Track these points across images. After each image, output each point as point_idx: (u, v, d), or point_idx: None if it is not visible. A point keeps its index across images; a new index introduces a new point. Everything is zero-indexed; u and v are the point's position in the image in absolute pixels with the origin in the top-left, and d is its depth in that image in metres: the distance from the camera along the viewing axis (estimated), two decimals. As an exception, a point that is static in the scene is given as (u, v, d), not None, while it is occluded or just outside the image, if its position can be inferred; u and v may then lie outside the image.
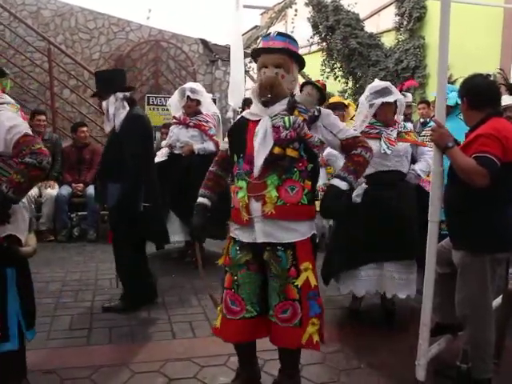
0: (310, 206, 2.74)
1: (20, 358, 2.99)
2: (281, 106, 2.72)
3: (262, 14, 18.76)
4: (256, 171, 2.65)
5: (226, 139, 2.99)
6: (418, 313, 3.17)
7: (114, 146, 4.20)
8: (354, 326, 4.18)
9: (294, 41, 2.82)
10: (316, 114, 2.73)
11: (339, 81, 12.44)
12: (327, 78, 12.55)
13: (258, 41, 13.53)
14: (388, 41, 11.87)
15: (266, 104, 2.71)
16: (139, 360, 3.48)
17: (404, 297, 4.03)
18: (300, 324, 2.72)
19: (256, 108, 2.80)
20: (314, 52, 13.99)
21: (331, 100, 6.72)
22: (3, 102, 2.77)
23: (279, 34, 2.79)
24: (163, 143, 5.93)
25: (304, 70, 12.40)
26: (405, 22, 11.31)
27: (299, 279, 2.70)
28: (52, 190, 6.77)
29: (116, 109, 4.16)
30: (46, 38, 8.67)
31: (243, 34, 12.57)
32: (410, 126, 4.14)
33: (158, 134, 8.34)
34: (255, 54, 2.85)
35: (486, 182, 2.73)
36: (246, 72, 11.88)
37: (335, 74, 12.49)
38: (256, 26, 14.91)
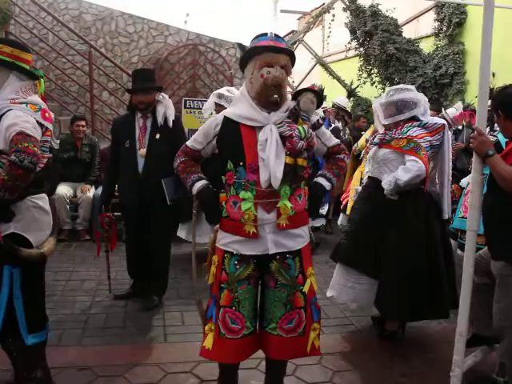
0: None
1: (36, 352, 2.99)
2: (282, 112, 2.62)
3: (299, 19, 18.75)
4: (276, 184, 2.51)
5: (197, 137, 2.77)
6: (452, 324, 3.13)
7: (164, 142, 4.25)
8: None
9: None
10: (320, 122, 2.73)
11: (376, 86, 12.30)
12: (364, 83, 12.47)
13: (295, 45, 13.56)
14: (427, 46, 11.71)
15: (274, 107, 2.57)
16: (172, 360, 3.51)
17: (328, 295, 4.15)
18: (304, 332, 2.67)
19: (253, 113, 2.60)
20: (351, 57, 13.91)
21: None
22: (22, 102, 2.81)
23: (277, 35, 2.65)
24: None
25: (340, 75, 12.33)
26: (444, 28, 11.12)
27: (306, 285, 2.66)
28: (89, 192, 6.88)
29: None
30: (87, 41, 8.86)
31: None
32: (412, 131, 3.79)
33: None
34: (252, 53, 2.61)
35: (528, 190, 2.68)
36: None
37: (372, 79, 12.37)
38: (293, 31, 14.94)
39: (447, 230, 4.17)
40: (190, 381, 3.28)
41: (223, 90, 5.63)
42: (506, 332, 2.97)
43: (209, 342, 2.68)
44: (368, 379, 3.39)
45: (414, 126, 3.81)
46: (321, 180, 2.81)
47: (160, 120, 4.28)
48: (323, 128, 2.83)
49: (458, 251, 5.17)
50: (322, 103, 2.85)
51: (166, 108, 4.32)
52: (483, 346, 3.46)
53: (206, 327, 2.73)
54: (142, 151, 4.27)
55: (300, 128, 2.56)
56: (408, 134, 3.77)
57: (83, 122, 6.97)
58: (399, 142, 3.78)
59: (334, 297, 4.07)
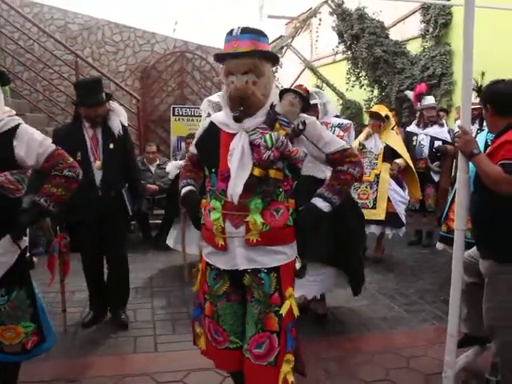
0: (295, 226, 2.43)
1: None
2: (258, 117, 2.36)
3: (286, 24, 18.79)
4: (234, 198, 2.29)
5: (194, 142, 2.70)
6: (444, 325, 3.11)
7: (118, 151, 4.14)
8: (387, 333, 4.14)
9: (263, 35, 2.39)
10: (301, 127, 2.34)
11: (365, 89, 12.33)
12: (353, 86, 12.49)
13: (284, 50, 13.58)
14: (414, 48, 11.74)
15: (240, 120, 2.31)
16: (163, 370, 3.48)
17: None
18: (275, 362, 2.34)
19: (227, 119, 2.41)
20: (339, 61, 13.94)
21: (373, 108, 6.67)
22: (15, 115, 2.71)
23: (243, 30, 2.33)
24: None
25: (329, 79, 12.28)
26: (430, 29, 11.15)
27: (284, 307, 2.35)
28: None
29: None
30: (73, 51, 8.81)
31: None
32: (337, 132, 4.20)
33: (183, 144, 8.41)
34: (218, 59, 2.44)
35: (513, 189, 2.66)
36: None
37: (361, 82, 12.40)
38: (281, 36, 14.93)
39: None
40: (180, 390, 3.25)
41: (205, 102, 5.40)
42: (497, 331, 2.96)
43: (202, 344, 2.61)
44: (359, 383, 3.37)
45: (336, 127, 4.23)
46: (318, 202, 2.42)
47: (119, 130, 4.12)
48: (320, 130, 2.47)
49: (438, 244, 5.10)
50: (308, 106, 2.59)
51: (119, 115, 4.18)
52: (475, 346, 3.45)
53: (197, 329, 2.64)
54: (98, 163, 4.05)
55: (266, 136, 2.25)
56: (336, 134, 4.05)
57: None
58: None
59: (304, 295, 4.12)
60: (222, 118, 2.48)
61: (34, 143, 2.62)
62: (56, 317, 4.28)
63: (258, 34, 2.36)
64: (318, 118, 4.09)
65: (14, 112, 2.73)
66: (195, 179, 2.76)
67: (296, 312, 2.40)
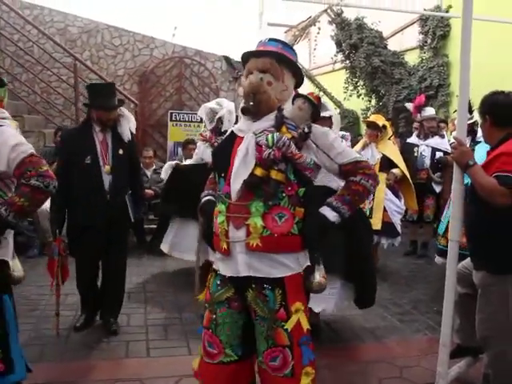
0: (301, 235, 2.34)
1: None
2: (268, 121, 2.35)
3: (286, 32, 18.87)
4: (233, 196, 2.29)
5: None
6: (437, 336, 3.11)
7: (126, 157, 4.20)
8: (381, 343, 4.13)
9: (291, 48, 2.47)
10: (306, 130, 2.32)
11: (362, 98, 12.40)
12: (350, 95, 12.55)
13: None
14: (411, 59, 11.82)
15: (247, 112, 2.36)
16: (155, 375, 3.47)
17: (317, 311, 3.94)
18: (292, 374, 2.29)
19: (242, 122, 2.46)
20: (337, 70, 14.02)
21: (370, 118, 6.68)
22: (4, 117, 2.59)
23: (271, 39, 2.44)
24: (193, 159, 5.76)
25: (327, 88, 12.28)
26: (428, 40, 11.24)
27: (289, 322, 2.28)
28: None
29: None
30: (72, 54, 8.83)
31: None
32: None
33: (180, 150, 8.43)
34: (244, 62, 2.48)
35: (507, 201, 2.67)
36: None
37: (358, 91, 12.47)
38: (280, 44, 15.01)
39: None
40: (172, 396, 3.25)
41: (202, 111, 5.43)
42: (489, 342, 2.96)
43: (195, 362, 2.51)
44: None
45: (340, 138, 4.16)
46: (326, 211, 2.36)
47: (128, 135, 4.17)
48: (333, 141, 2.41)
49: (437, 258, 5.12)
50: (318, 114, 2.48)
51: (128, 121, 4.20)
52: (467, 357, 3.45)
53: (199, 347, 2.52)
54: (107, 168, 4.04)
55: (269, 136, 2.25)
56: None
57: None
58: None
59: (324, 310, 3.94)
60: (239, 123, 2.51)
61: (4, 147, 2.42)
62: (49, 320, 4.30)
63: (285, 44, 2.46)
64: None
65: (3, 114, 2.62)
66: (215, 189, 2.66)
67: (306, 326, 2.33)
